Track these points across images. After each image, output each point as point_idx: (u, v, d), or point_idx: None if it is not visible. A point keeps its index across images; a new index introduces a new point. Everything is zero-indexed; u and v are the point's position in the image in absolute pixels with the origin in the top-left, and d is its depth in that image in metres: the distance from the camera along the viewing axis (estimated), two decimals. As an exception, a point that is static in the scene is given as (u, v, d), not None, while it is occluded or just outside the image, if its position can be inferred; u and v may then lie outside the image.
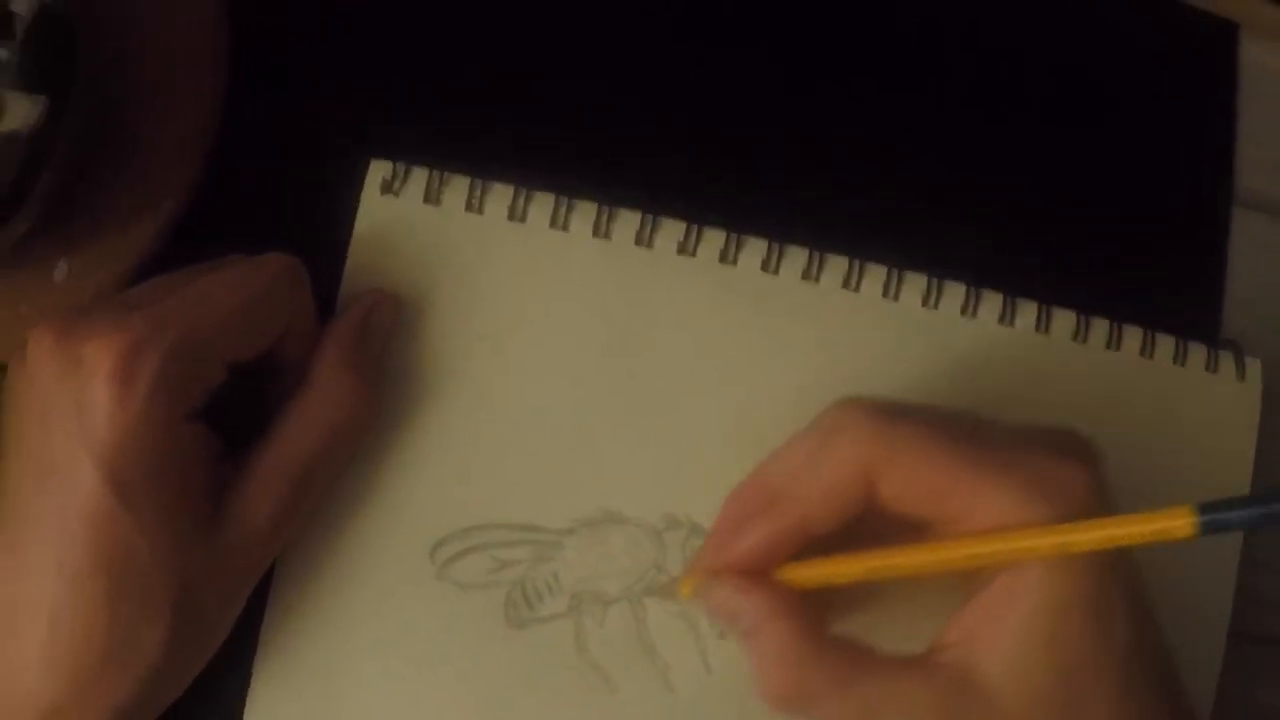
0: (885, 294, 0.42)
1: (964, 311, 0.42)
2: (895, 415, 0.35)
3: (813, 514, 0.35)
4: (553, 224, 0.42)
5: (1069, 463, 0.34)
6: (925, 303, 0.42)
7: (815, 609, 0.37)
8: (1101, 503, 0.34)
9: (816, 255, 0.42)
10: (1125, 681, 0.34)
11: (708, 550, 0.38)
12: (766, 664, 0.35)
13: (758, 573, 0.36)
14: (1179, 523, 0.31)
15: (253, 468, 0.38)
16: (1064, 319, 0.43)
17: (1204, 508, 0.30)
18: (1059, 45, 0.46)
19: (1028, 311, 0.43)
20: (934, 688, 0.34)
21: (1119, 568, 0.34)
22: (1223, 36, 0.47)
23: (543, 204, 0.42)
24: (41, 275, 0.42)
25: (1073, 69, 0.46)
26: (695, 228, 0.42)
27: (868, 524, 0.35)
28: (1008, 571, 0.34)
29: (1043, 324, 0.43)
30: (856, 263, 0.42)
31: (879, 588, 0.36)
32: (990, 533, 0.33)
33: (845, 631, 0.36)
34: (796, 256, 0.42)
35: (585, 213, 0.42)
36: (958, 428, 0.35)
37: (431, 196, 0.42)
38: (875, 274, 0.42)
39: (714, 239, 0.42)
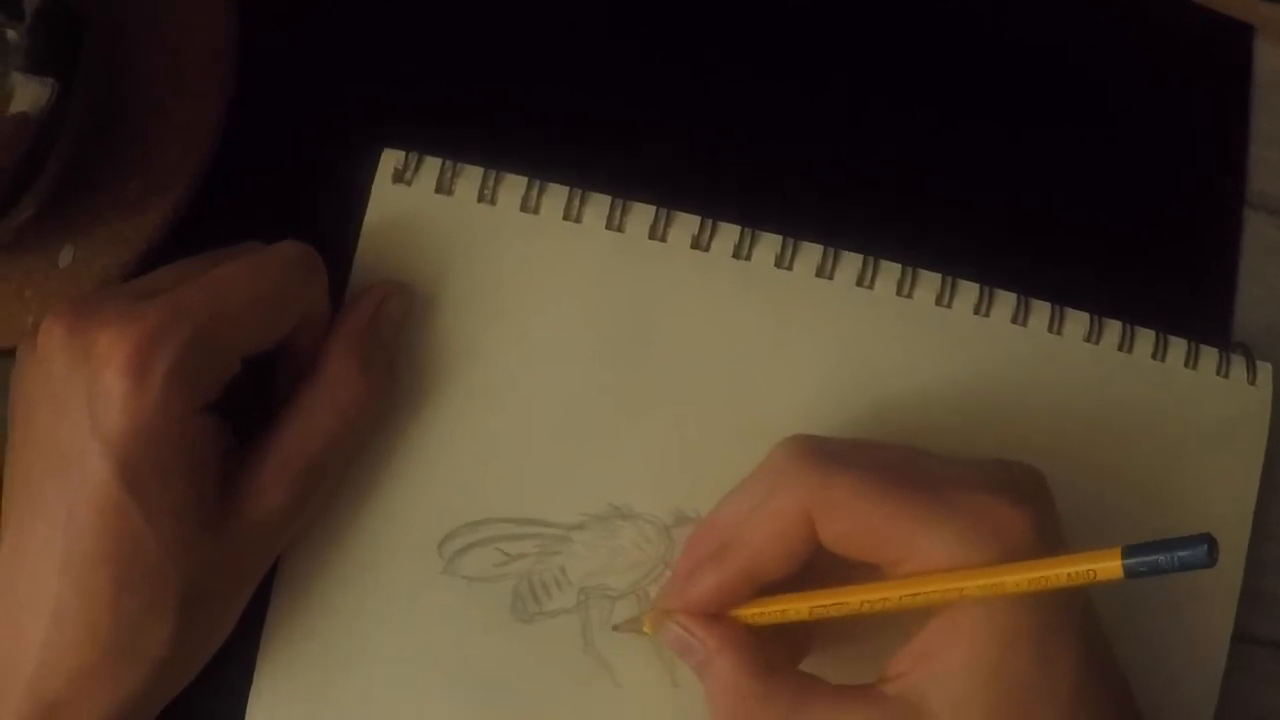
0: (899, 292, 0.42)
1: (977, 311, 0.42)
2: (834, 461, 0.35)
3: (759, 563, 0.36)
4: (566, 216, 0.42)
5: (1010, 503, 0.34)
6: (939, 302, 0.42)
7: (788, 641, 0.38)
8: (1043, 541, 0.34)
9: (831, 252, 0.42)
10: (1073, 714, 0.34)
11: (668, 591, 0.38)
12: (718, 696, 0.36)
13: (713, 613, 0.37)
14: (1108, 564, 0.31)
15: (261, 459, 0.37)
16: (1077, 320, 0.43)
17: (1130, 550, 0.30)
18: (1072, 47, 0.46)
19: (1041, 312, 0.43)
20: (881, 716, 0.34)
21: (1065, 602, 0.34)
22: (1236, 39, 0.47)
23: (556, 196, 0.42)
24: (47, 260, 0.41)
25: (1086, 71, 0.46)
26: (709, 222, 0.42)
27: (829, 564, 0.36)
28: (951, 607, 0.34)
29: (1055, 325, 0.43)
30: (871, 260, 0.42)
31: (837, 622, 0.36)
32: (925, 575, 0.34)
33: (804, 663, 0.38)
34: (811, 253, 0.42)
35: (599, 205, 0.42)
36: (898, 469, 0.36)
37: (444, 187, 0.42)
38: (889, 272, 0.42)
39: (728, 234, 0.42)
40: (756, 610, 0.37)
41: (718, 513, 0.38)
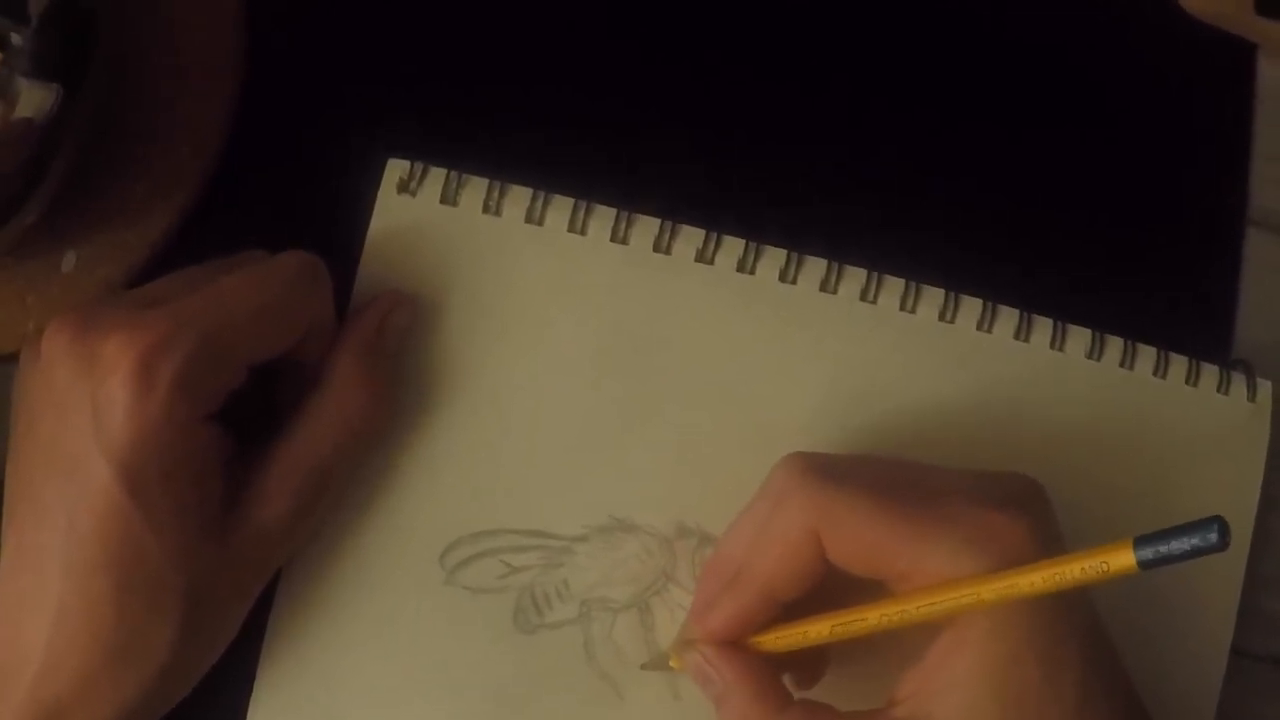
0: (902, 307, 0.42)
1: (979, 326, 0.42)
2: (834, 478, 0.36)
3: (772, 585, 0.36)
4: (571, 228, 0.42)
5: (1010, 514, 0.34)
6: (942, 317, 0.42)
7: (805, 665, 0.38)
8: (1044, 550, 0.34)
9: (835, 266, 0.42)
10: None
11: (690, 622, 0.39)
12: None
13: (735, 640, 0.37)
14: (1120, 556, 0.31)
15: (266, 468, 0.37)
16: (1079, 336, 0.43)
17: (1141, 540, 0.30)
18: (1076, 64, 0.46)
19: (1043, 328, 0.43)
20: None
21: (1067, 611, 0.34)
22: (1239, 57, 0.47)
23: (561, 207, 0.42)
24: (49, 266, 0.41)
25: (1090, 88, 0.46)
26: (714, 235, 0.42)
27: (839, 587, 0.36)
28: (956, 624, 0.34)
29: (1058, 341, 0.43)
30: (874, 275, 0.42)
31: (842, 649, 0.37)
32: (939, 586, 0.34)
33: (813, 694, 0.38)
34: (815, 267, 0.42)
35: (604, 217, 0.42)
36: (899, 484, 0.36)
37: (449, 197, 0.41)
38: (893, 287, 0.42)
39: (733, 247, 0.42)
40: (778, 635, 0.37)
41: (727, 539, 0.38)
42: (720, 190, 0.44)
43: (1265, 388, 0.44)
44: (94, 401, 0.34)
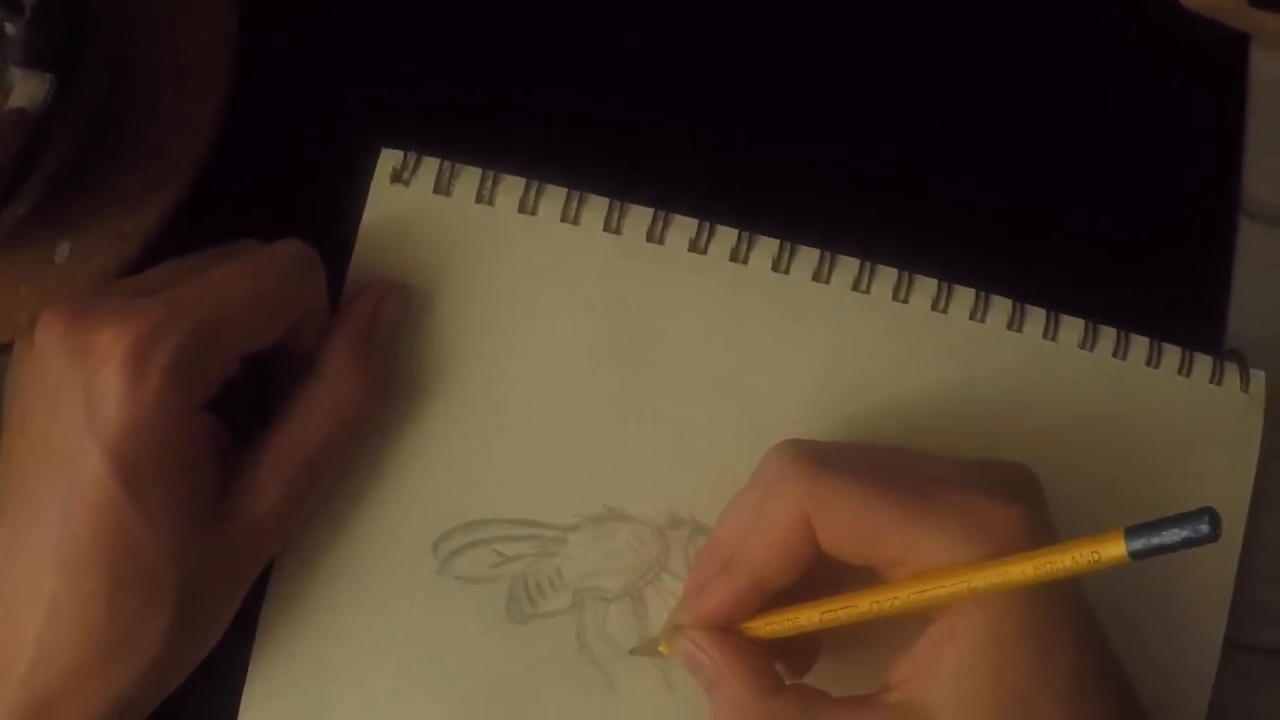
0: (895, 297, 0.42)
1: (973, 316, 0.42)
2: (826, 464, 0.36)
3: (763, 572, 0.36)
4: (564, 218, 0.42)
5: (1001, 501, 0.34)
6: (934, 307, 0.42)
7: (796, 653, 0.39)
8: (1035, 538, 0.34)
9: (828, 256, 0.42)
10: (1072, 712, 0.34)
11: (681, 608, 0.39)
12: (723, 713, 0.36)
13: (725, 626, 0.37)
14: (1111, 546, 0.31)
15: (259, 457, 0.37)
16: (1071, 326, 0.43)
17: (1132, 531, 0.30)
18: (1068, 55, 0.46)
19: (1036, 318, 0.43)
20: None
21: (1060, 598, 0.34)
22: (1231, 47, 0.47)
23: (554, 197, 0.42)
24: (43, 256, 0.41)
25: (1082, 79, 0.46)
26: (707, 225, 0.42)
27: (830, 574, 0.36)
28: (949, 611, 0.34)
29: (1050, 331, 0.43)
30: (867, 265, 0.42)
31: (836, 635, 0.37)
32: (930, 573, 0.34)
33: (806, 681, 0.38)
34: (807, 257, 0.42)
35: (597, 207, 0.42)
36: (891, 471, 0.36)
37: (442, 187, 0.42)
38: (885, 277, 0.42)
39: (726, 237, 0.42)
40: (767, 621, 0.37)
41: (721, 525, 0.38)
42: (721, 190, 0.44)
43: (1258, 378, 0.44)
44: (87, 392, 0.34)
